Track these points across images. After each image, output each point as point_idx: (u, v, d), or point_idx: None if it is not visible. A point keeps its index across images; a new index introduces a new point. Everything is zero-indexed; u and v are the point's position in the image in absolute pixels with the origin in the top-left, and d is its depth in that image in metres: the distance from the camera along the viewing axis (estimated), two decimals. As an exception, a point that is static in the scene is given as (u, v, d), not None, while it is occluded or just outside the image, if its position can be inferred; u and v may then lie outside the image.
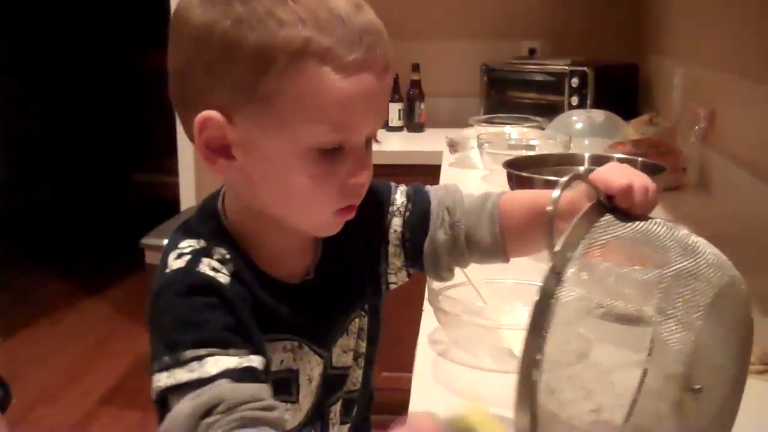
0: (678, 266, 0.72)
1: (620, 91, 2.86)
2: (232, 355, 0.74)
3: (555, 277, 0.71)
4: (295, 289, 0.86)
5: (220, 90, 0.76)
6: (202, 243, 0.81)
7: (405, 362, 1.19)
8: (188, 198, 3.29)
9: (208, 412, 0.71)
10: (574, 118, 2.44)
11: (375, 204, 0.93)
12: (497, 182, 1.88)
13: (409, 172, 2.59)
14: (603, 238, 0.75)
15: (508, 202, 0.93)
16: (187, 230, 0.84)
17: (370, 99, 0.77)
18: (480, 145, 2.19)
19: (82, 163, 5.75)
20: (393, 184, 0.97)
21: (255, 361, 0.76)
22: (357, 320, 0.92)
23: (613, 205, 0.78)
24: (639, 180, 0.79)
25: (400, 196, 0.96)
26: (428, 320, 1.20)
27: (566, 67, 2.76)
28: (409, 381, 1.06)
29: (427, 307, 1.20)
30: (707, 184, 2.05)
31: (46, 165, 5.58)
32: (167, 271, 0.80)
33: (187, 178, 3.29)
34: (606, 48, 3.05)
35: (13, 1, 5.15)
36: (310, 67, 0.73)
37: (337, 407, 0.92)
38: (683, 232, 0.77)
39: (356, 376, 0.94)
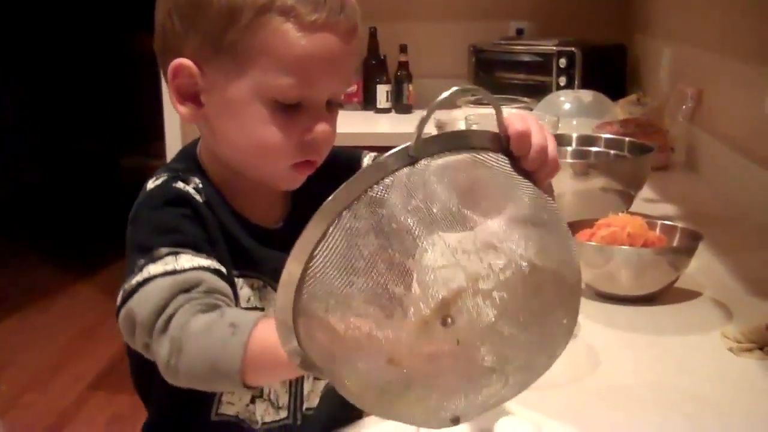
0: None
1: (608, 71, 2.85)
2: (205, 258, 0.78)
3: (404, 157, 0.64)
4: (264, 233, 0.90)
5: (192, 39, 0.82)
6: (178, 171, 0.87)
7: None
8: (176, 182, 3.28)
9: (187, 289, 0.74)
10: (562, 98, 2.43)
11: (344, 168, 0.93)
12: (485, 163, 1.88)
13: (398, 153, 2.59)
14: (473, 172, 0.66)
15: None
16: (166, 168, 0.89)
17: (331, 59, 0.81)
18: (468, 126, 2.18)
19: (70, 147, 5.72)
20: (364, 151, 1.02)
21: (224, 270, 0.80)
22: None
23: (508, 150, 0.69)
24: (540, 134, 0.69)
25: (368, 160, 1.00)
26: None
27: (554, 48, 2.75)
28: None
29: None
30: (695, 163, 2.05)
31: (35, 149, 5.54)
32: (143, 190, 0.85)
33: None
34: (594, 28, 3.05)
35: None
36: (273, 22, 0.79)
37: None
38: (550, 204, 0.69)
39: None
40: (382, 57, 3.03)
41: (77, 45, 5.59)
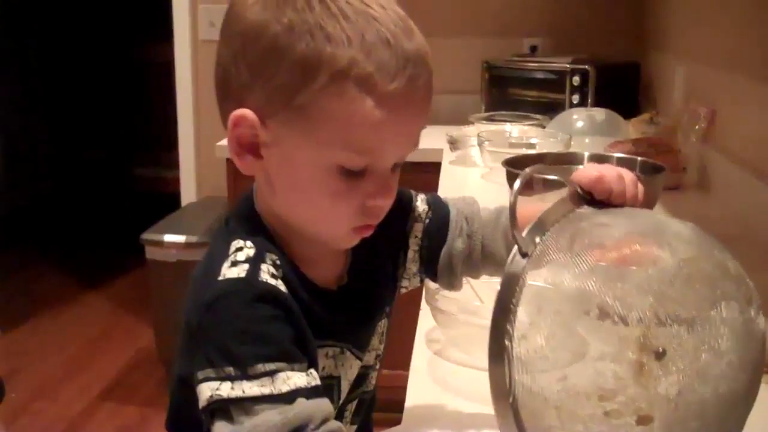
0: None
1: (621, 89, 2.85)
2: (298, 371, 0.74)
3: (521, 258, 0.72)
4: (334, 295, 0.86)
5: (259, 91, 0.76)
6: (253, 247, 0.80)
7: (400, 360, 1.20)
8: (189, 193, 3.29)
9: (299, 429, 0.72)
10: (575, 116, 2.43)
11: (398, 209, 0.94)
12: (497, 180, 1.88)
13: (410, 169, 2.58)
14: (577, 224, 0.76)
15: (520, 216, 0.95)
16: (231, 234, 0.82)
17: (403, 128, 0.77)
18: (480, 143, 2.18)
19: (82, 157, 5.75)
20: (413, 191, 0.98)
21: (317, 377, 0.76)
22: (382, 321, 0.94)
23: (592, 199, 0.80)
24: (611, 170, 0.80)
25: (421, 203, 0.97)
26: (425, 319, 1.20)
27: (567, 65, 2.76)
28: (405, 379, 1.07)
29: (424, 306, 1.20)
30: (707, 183, 2.05)
31: (47, 158, 5.58)
32: (221, 279, 0.77)
33: (187, 173, 3.29)
34: (608, 46, 3.05)
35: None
36: (349, 90, 0.73)
37: (352, 406, 0.93)
38: (660, 217, 0.80)
39: (374, 376, 0.95)
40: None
41: (90, 55, 5.63)
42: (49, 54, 5.53)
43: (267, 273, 0.78)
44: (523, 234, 0.74)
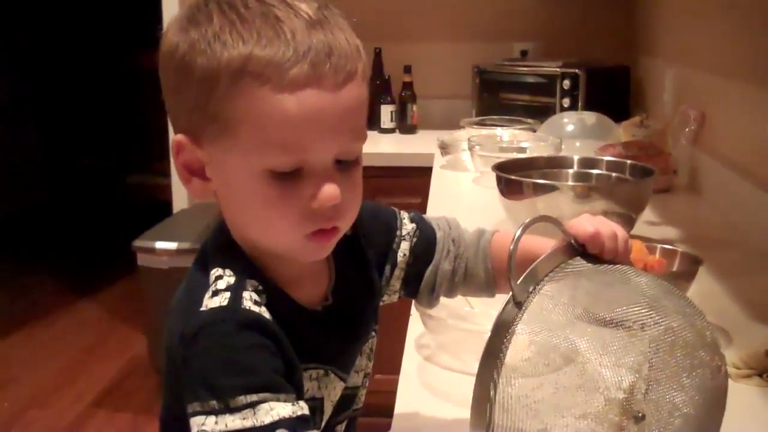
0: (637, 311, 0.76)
1: (612, 93, 2.86)
2: (283, 401, 0.71)
3: (514, 307, 0.74)
4: (319, 315, 0.84)
5: (183, 113, 0.76)
6: (232, 275, 0.78)
7: (389, 365, 1.20)
8: (181, 200, 3.29)
9: None
10: (566, 120, 2.44)
11: (383, 226, 0.94)
12: (488, 184, 1.88)
13: (401, 174, 2.60)
14: (569, 276, 0.78)
15: (498, 242, 0.95)
16: (210, 262, 0.80)
17: (321, 117, 0.73)
18: (471, 147, 2.19)
19: (75, 164, 5.74)
20: (395, 209, 0.97)
21: (304, 407, 0.73)
22: (370, 341, 0.93)
23: (585, 252, 0.82)
24: (607, 227, 0.82)
25: (407, 221, 0.96)
26: (415, 325, 1.20)
27: (558, 69, 2.77)
28: (394, 383, 1.07)
29: (413, 312, 1.20)
30: (698, 186, 2.05)
31: (40, 166, 5.57)
32: (203, 309, 0.75)
33: (177, 181, 3.28)
34: (598, 50, 3.06)
35: (9, 2, 5.14)
36: (249, 87, 0.71)
37: (341, 427, 0.92)
38: (646, 280, 0.81)
39: (362, 394, 0.94)
40: (386, 77, 3.05)
41: (82, 62, 5.63)
42: (40, 61, 5.52)
43: (250, 300, 0.76)
44: (518, 282, 0.75)
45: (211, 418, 0.71)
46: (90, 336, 3.63)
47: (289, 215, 0.75)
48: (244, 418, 0.70)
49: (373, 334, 0.93)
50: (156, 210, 3.49)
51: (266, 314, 0.76)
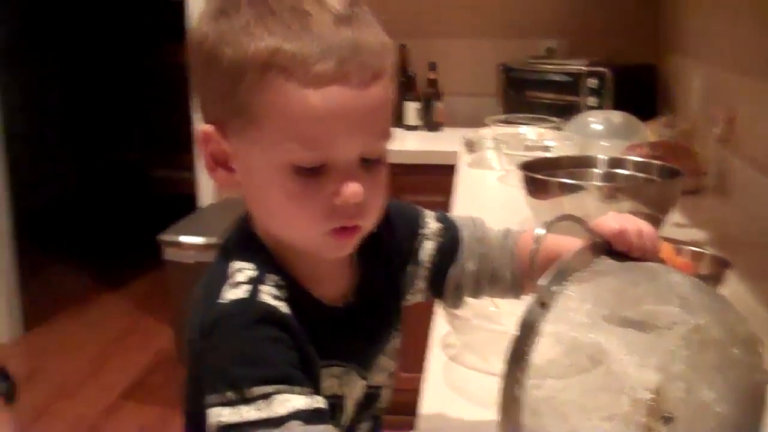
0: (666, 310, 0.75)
1: (639, 92, 2.84)
2: (298, 394, 0.72)
3: (539, 307, 0.74)
4: (340, 313, 0.85)
5: (210, 104, 0.78)
6: (254, 269, 0.79)
7: (413, 363, 1.20)
8: (206, 195, 3.31)
9: None
10: (592, 119, 2.43)
11: (407, 225, 0.94)
12: (513, 183, 1.88)
13: (425, 171, 2.60)
14: (595, 275, 0.78)
15: (524, 242, 0.95)
16: (231, 255, 0.81)
17: (346, 115, 0.73)
18: (496, 146, 2.19)
19: (104, 157, 5.80)
20: (419, 207, 0.98)
21: (320, 401, 0.73)
22: (393, 340, 0.93)
23: (611, 250, 0.81)
24: (633, 224, 0.82)
25: (431, 220, 0.96)
26: (440, 324, 1.20)
27: (584, 68, 2.75)
28: (417, 381, 1.08)
29: (439, 311, 1.21)
30: (726, 188, 2.04)
31: (71, 159, 5.63)
32: (221, 301, 0.76)
33: (204, 175, 3.31)
34: (624, 48, 3.04)
35: (36, -3, 5.21)
36: (276, 80, 0.72)
37: (366, 426, 0.92)
38: (676, 277, 0.80)
39: (387, 393, 0.94)
40: (411, 74, 3.05)
41: (109, 56, 5.67)
42: (69, 56, 5.57)
43: (268, 294, 0.76)
44: (543, 282, 0.75)
45: (228, 409, 0.72)
46: (118, 328, 3.67)
47: (310, 211, 0.76)
48: (259, 409, 0.71)
49: (397, 333, 0.93)
50: (182, 204, 3.52)
51: (284, 308, 0.76)
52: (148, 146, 5.73)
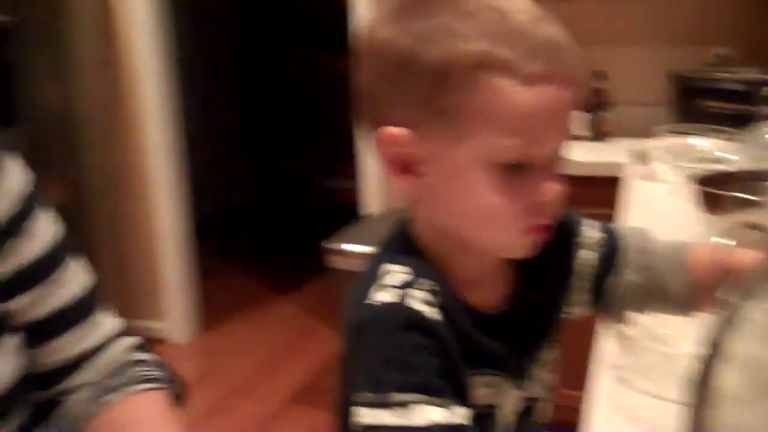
0: None
1: (821, 99, 2.68)
2: (438, 406, 0.72)
3: (726, 325, 0.70)
4: (494, 320, 0.85)
5: (402, 105, 0.76)
6: (407, 272, 0.80)
7: (575, 380, 1.19)
8: (369, 204, 3.38)
9: None
10: (767, 129, 2.32)
11: (564, 233, 0.93)
12: (685, 196, 1.83)
13: (591, 183, 2.55)
14: None
15: (697, 255, 0.92)
16: (386, 257, 0.83)
17: (553, 113, 0.75)
18: (667, 158, 2.13)
19: (276, 166, 6.02)
20: (579, 216, 0.97)
21: (460, 415, 0.73)
22: (548, 352, 0.93)
23: None
24: None
25: (591, 229, 0.95)
26: (606, 342, 1.19)
27: (759, 76, 2.63)
28: (577, 400, 1.06)
29: (604, 329, 1.19)
30: None
31: (245, 169, 5.89)
32: (370, 303, 0.77)
33: (367, 185, 3.38)
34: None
35: (212, 8, 5.48)
36: (488, 80, 0.72)
37: None
38: None
39: (545, 408, 0.94)
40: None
41: (282, 65, 5.88)
42: (244, 64, 5.83)
43: (417, 299, 0.77)
44: (727, 297, 0.72)
45: (367, 410, 0.73)
46: (288, 332, 3.80)
47: (512, 208, 0.77)
48: (396, 416, 0.71)
49: (553, 345, 0.92)
50: (347, 213, 3.61)
51: (434, 315, 0.77)
52: (316, 156, 5.90)
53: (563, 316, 0.96)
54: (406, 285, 0.78)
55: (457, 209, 0.79)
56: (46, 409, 0.94)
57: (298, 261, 4.53)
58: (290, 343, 3.69)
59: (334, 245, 3.07)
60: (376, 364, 0.74)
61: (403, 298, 0.77)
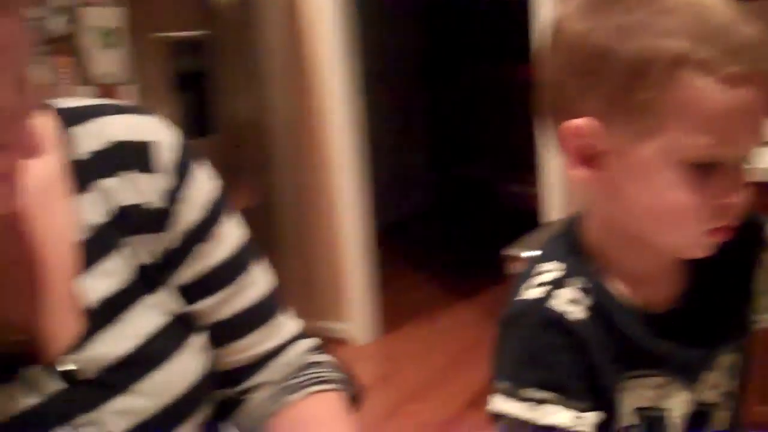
0: None
1: None
2: (569, 408, 0.75)
3: None
4: (659, 319, 0.83)
5: (593, 98, 0.77)
6: (561, 271, 0.81)
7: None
8: (551, 211, 3.33)
9: None
10: None
11: (747, 234, 0.88)
12: None
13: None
14: None
15: None
16: (546, 255, 0.84)
17: (747, 114, 0.74)
18: None
19: (453, 173, 6.05)
20: (764, 217, 0.92)
21: (588, 422, 0.75)
22: (727, 356, 0.88)
23: None
24: None
25: None
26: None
27: None
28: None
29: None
30: None
31: (423, 175, 5.95)
32: (519, 298, 0.81)
33: (550, 191, 3.33)
34: None
35: (401, 14, 5.57)
36: (686, 78, 0.72)
37: None
38: None
39: (723, 416, 0.89)
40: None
41: (461, 73, 5.91)
42: (429, 73, 5.90)
43: (564, 298, 0.78)
44: None
45: (503, 398, 0.78)
46: (466, 338, 3.78)
47: (699, 208, 0.76)
48: (526, 411, 0.75)
49: (734, 350, 0.88)
50: (529, 220, 3.56)
51: (579, 314, 0.78)
52: (498, 162, 5.87)
53: (752, 323, 0.91)
54: (555, 283, 0.80)
55: (638, 205, 0.78)
56: (229, 407, 0.98)
57: (479, 268, 4.51)
58: (468, 348, 3.68)
59: (514, 252, 3.03)
60: (516, 358, 0.79)
61: (547, 297, 0.79)
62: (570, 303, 0.78)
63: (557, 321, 0.78)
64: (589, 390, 0.77)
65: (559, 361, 0.77)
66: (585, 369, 0.77)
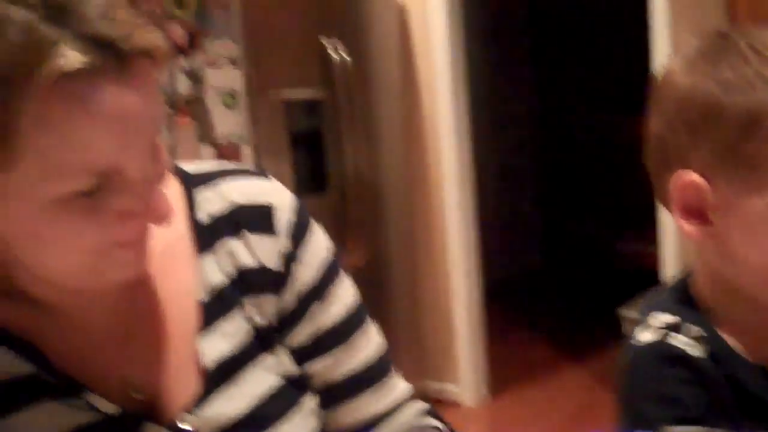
0: None
1: None
2: None
3: None
4: None
5: (701, 152, 0.76)
6: (670, 317, 0.81)
7: None
8: (670, 268, 3.23)
9: None
10: None
11: None
12: None
13: None
14: None
15: None
16: (657, 305, 0.84)
17: None
18: None
19: (568, 230, 5.95)
20: None
21: None
22: None
23: None
24: None
25: None
26: None
27: None
28: None
29: None
30: None
31: (536, 232, 5.88)
32: (635, 344, 0.81)
33: (668, 248, 3.24)
34: None
35: (513, 69, 5.58)
36: None
37: None
38: None
39: None
40: None
41: (575, 125, 5.86)
42: (540, 124, 5.87)
43: (680, 340, 0.78)
44: None
45: None
46: (580, 401, 3.69)
47: None
48: None
49: None
50: (646, 278, 3.46)
51: (696, 352, 0.77)
52: (613, 218, 5.76)
53: None
54: (670, 327, 0.80)
55: (747, 260, 0.77)
56: None
57: (593, 328, 4.41)
58: (582, 412, 3.58)
59: (630, 312, 2.95)
60: (645, 399, 0.77)
61: (666, 337, 0.79)
62: (688, 345, 0.78)
63: (682, 357, 0.77)
64: (732, 424, 0.75)
65: (689, 394, 0.76)
66: (714, 403, 0.76)
